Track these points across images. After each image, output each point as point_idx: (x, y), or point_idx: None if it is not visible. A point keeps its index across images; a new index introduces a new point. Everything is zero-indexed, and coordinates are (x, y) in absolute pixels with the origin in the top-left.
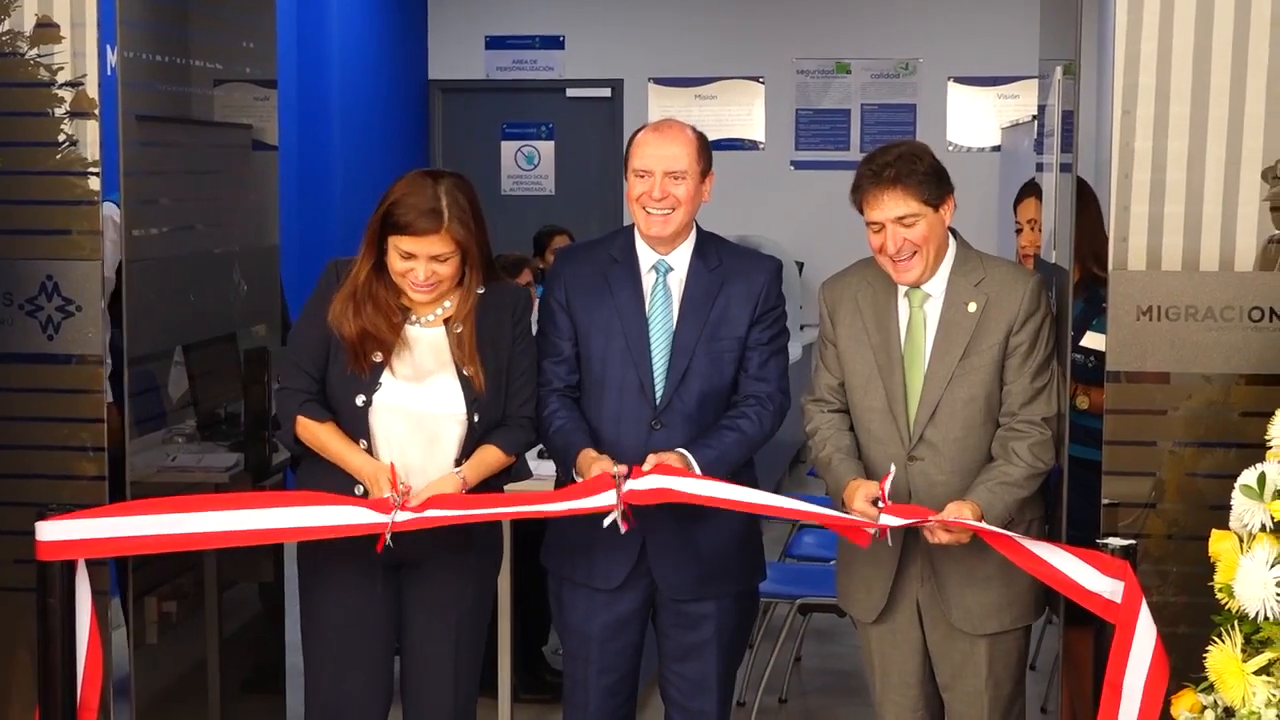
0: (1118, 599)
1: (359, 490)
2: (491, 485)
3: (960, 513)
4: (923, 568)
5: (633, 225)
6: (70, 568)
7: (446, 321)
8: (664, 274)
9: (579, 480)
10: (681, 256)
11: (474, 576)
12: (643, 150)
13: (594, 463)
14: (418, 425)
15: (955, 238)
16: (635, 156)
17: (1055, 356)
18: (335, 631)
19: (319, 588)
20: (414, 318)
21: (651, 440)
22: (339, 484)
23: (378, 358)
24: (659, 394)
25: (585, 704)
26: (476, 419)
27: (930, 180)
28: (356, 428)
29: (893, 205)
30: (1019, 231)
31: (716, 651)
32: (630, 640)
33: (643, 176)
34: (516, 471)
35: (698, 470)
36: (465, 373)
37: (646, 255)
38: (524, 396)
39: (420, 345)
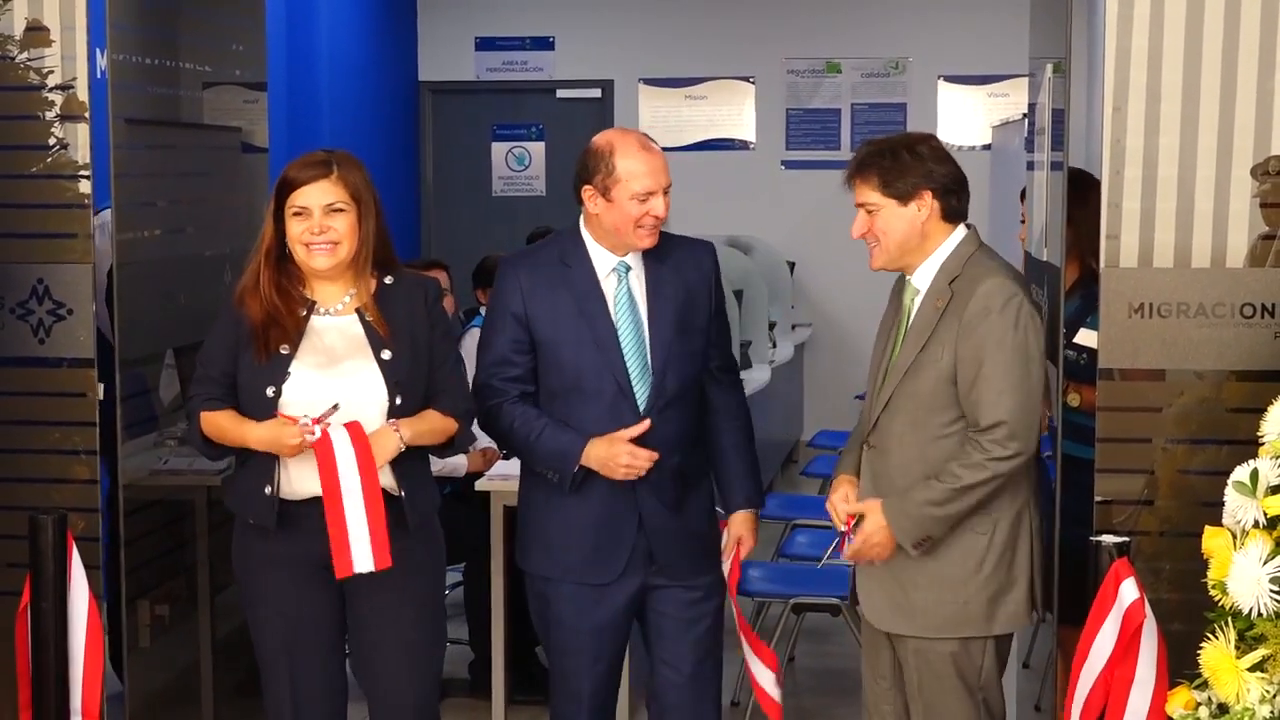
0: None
1: (268, 490)
2: (430, 454)
3: (867, 540)
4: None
5: (573, 229)
6: (63, 572)
7: (358, 310)
8: (625, 275)
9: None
10: (636, 255)
11: (417, 568)
12: (642, 173)
13: (614, 444)
14: (337, 414)
15: (969, 232)
16: (634, 179)
17: (1028, 357)
18: (281, 642)
19: (261, 602)
20: (321, 309)
21: (644, 439)
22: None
23: (284, 350)
24: (640, 396)
25: (580, 693)
26: (399, 401)
27: (895, 173)
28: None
29: (857, 192)
30: (1024, 223)
31: (714, 626)
32: (624, 629)
33: (646, 198)
34: (460, 442)
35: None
36: (383, 356)
37: (603, 258)
38: (451, 383)
39: (330, 334)
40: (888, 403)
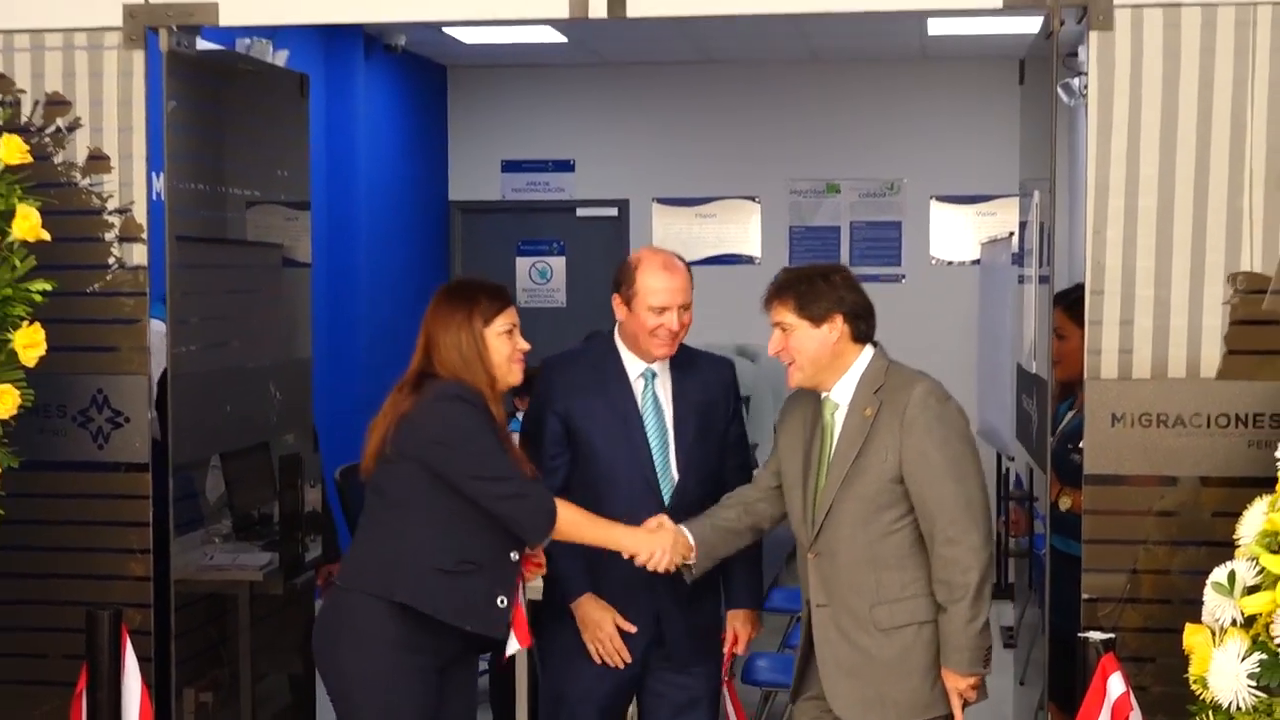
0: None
1: (501, 602)
2: None
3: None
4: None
5: (607, 336)
6: (118, 665)
7: None
8: (651, 380)
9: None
10: (662, 364)
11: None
12: (659, 289)
13: (605, 619)
14: None
15: (876, 350)
16: (651, 294)
17: (968, 452)
18: None
19: (408, 703)
20: None
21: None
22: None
23: None
24: (664, 490)
25: None
26: None
27: (810, 298)
28: None
29: (774, 313)
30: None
31: (708, 706)
32: (625, 705)
33: (661, 312)
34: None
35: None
36: None
37: (633, 364)
38: None
39: None
40: (829, 510)
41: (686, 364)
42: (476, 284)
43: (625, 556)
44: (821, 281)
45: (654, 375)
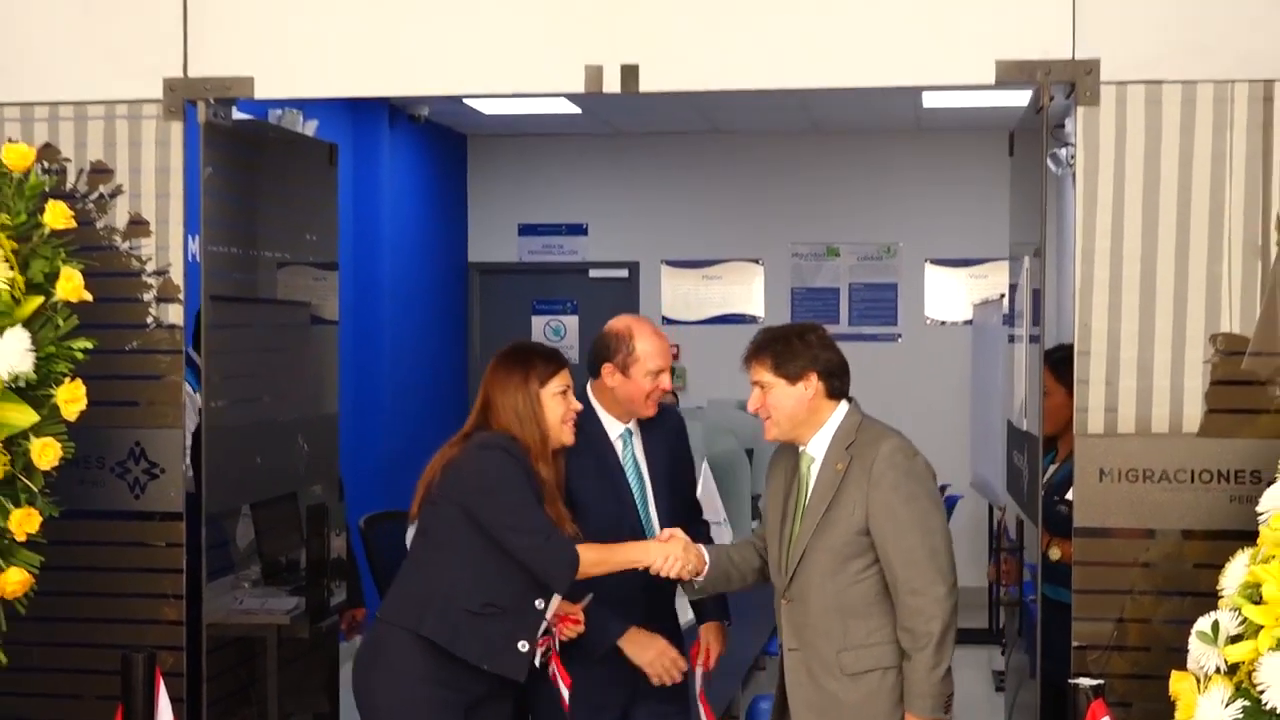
0: None
1: (523, 647)
2: None
3: None
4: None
5: (583, 398)
6: (152, 706)
7: None
8: (629, 439)
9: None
10: (633, 422)
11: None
12: (655, 353)
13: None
14: None
15: (850, 406)
16: (650, 359)
17: (932, 506)
18: None
19: None
20: None
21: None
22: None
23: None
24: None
25: None
26: None
27: (786, 357)
28: None
29: (752, 372)
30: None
31: None
32: None
33: (658, 374)
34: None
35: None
36: None
37: (614, 426)
38: None
39: None
40: (801, 559)
41: (650, 420)
42: (532, 348)
43: (642, 568)
44: (797, 341)
45: (630, 434)
